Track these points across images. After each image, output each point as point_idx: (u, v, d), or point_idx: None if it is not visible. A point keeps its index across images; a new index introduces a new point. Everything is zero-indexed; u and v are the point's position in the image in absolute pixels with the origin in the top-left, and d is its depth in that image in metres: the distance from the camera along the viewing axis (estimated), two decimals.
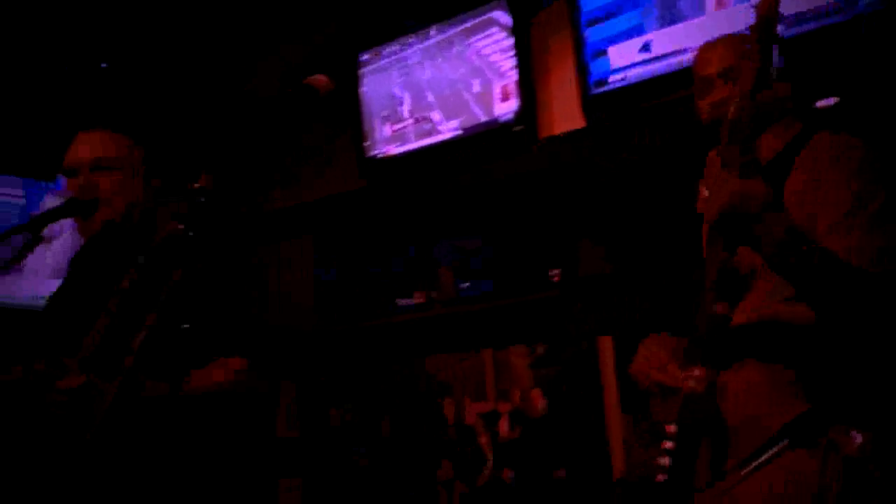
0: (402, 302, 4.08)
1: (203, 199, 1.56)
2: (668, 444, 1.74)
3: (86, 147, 2.15)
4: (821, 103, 2.92)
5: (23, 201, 4.22)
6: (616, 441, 3.27)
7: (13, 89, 4.17)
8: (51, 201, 4.28)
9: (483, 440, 3.62)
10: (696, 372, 1.73)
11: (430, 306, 3.95)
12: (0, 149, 4.17)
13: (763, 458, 1.72)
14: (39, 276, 4.16)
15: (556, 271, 3.55)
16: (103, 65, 3.99)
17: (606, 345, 3.37)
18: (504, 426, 3.57)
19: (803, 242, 1.63)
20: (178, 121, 4.30)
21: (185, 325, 1.75)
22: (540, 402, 3.48)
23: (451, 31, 3.88)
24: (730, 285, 1.74)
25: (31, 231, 1.95)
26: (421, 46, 3.98)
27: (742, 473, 1.72)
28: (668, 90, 3.23)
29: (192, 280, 1.63)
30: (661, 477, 1.74)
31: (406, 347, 3.99)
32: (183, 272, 1.41)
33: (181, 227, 1.58)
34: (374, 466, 3.95)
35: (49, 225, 4.17)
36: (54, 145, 4.22)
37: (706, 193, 1.75)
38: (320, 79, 1.67)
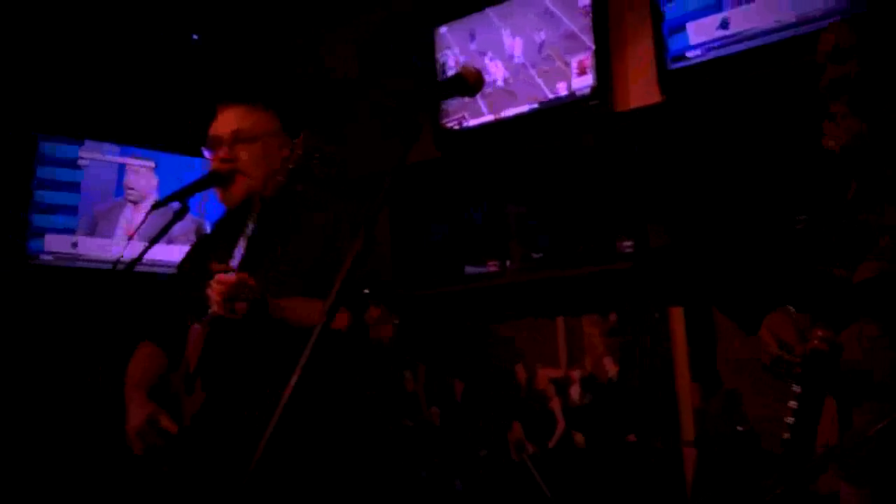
0: (474, 270, 4.20)
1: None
2: (793, 404, 1.82)
3: (226, 121, 2.24)
4: None
5: (117, 166, 4.45)
6: (686, 408, 3.37)
7: (112, 62, 4.35)
8: (136, 171, 4.49)
9: (554, 405, 3.74)
10: (820, 332, 1.80)
11: (503, 274, 4.06)
12: (100, 116, 4.38)
13: (883, 423, 1.68)
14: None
15: (628, 242, 3.63)
16: (194, 36, 4.12)
17: (678, 315, 3.46)
18: (575, 392, 3.69)
19: None
20: (257, 91, 4.44)
21: (366, 291, 1.89)
22: (611, 370, 3.59)
23: (529, 6, 3.95)
24: (850, 247, 1.80)
25: (180, 200, 2.05)
26: (499, 21, 4.06)
27: (863, 436, 1.72)
28: (745, 67, 3.30)
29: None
30: (785, 435, 1.81)
31: (479, 314, 4.11)
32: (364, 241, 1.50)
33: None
34: (446, 427, 4.09)
35: (136, 191, 4.37)
36: (149, 114, 4.44)
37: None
38: (471, 71, 1.73)
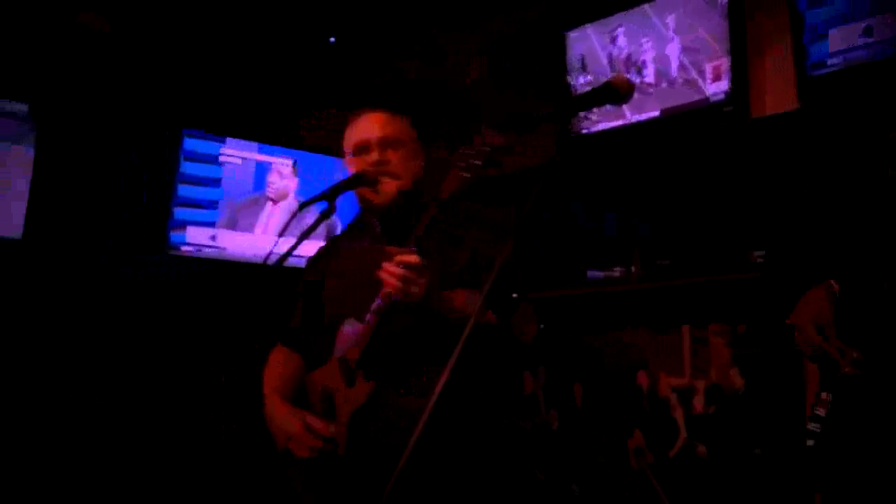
0: (597, 274, 4.18)
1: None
2: (821, 412, 1.78)
3: (374, 126, 2.31)
4: None
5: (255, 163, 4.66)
6: None
7: (252, 63, 4.53)
8: (279, 166, 4.67)
9: (677, 413, 3.70)
10: (855, 354, 1.76)
11: (627, 280, 4.04)
12: (241, 115, 4.58)
13: None
14: (269, 234, 4.57)
15: (760, 252, 3.56)
16: (332, 39, 4.24)
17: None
18: (699, 402, 3.64)
19: None
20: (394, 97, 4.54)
21: (515, 295, 1.93)
22: (737, 381, 3.53)
23: (663, 11, 3.92)
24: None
25: (328, 200, 2.13)
26: (630, 26, 4.04)
27: None
28: (887, 75, 3.19)
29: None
30: (809, 442, 1.79)
31: (602, 318, 4.10)
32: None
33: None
34: (564, 430, 4.10)
35: (277, 188, 4.55)
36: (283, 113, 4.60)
37: None
38: (622, 79, 1.75)
